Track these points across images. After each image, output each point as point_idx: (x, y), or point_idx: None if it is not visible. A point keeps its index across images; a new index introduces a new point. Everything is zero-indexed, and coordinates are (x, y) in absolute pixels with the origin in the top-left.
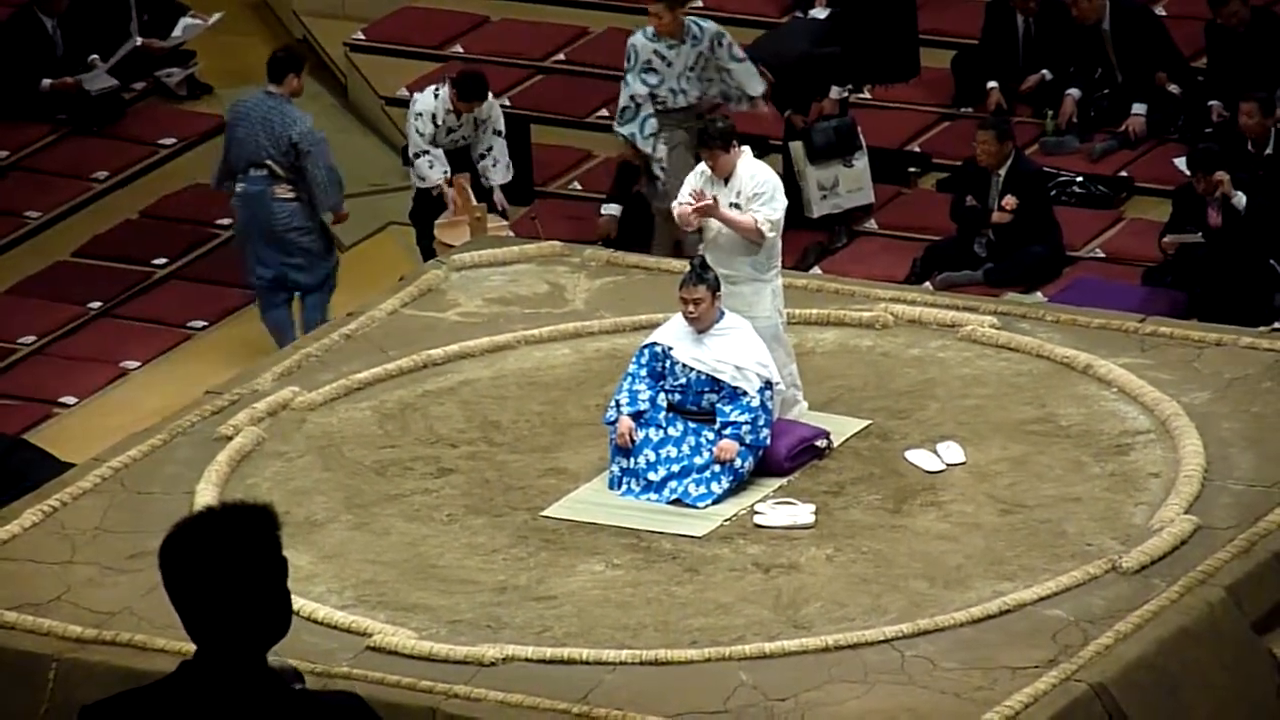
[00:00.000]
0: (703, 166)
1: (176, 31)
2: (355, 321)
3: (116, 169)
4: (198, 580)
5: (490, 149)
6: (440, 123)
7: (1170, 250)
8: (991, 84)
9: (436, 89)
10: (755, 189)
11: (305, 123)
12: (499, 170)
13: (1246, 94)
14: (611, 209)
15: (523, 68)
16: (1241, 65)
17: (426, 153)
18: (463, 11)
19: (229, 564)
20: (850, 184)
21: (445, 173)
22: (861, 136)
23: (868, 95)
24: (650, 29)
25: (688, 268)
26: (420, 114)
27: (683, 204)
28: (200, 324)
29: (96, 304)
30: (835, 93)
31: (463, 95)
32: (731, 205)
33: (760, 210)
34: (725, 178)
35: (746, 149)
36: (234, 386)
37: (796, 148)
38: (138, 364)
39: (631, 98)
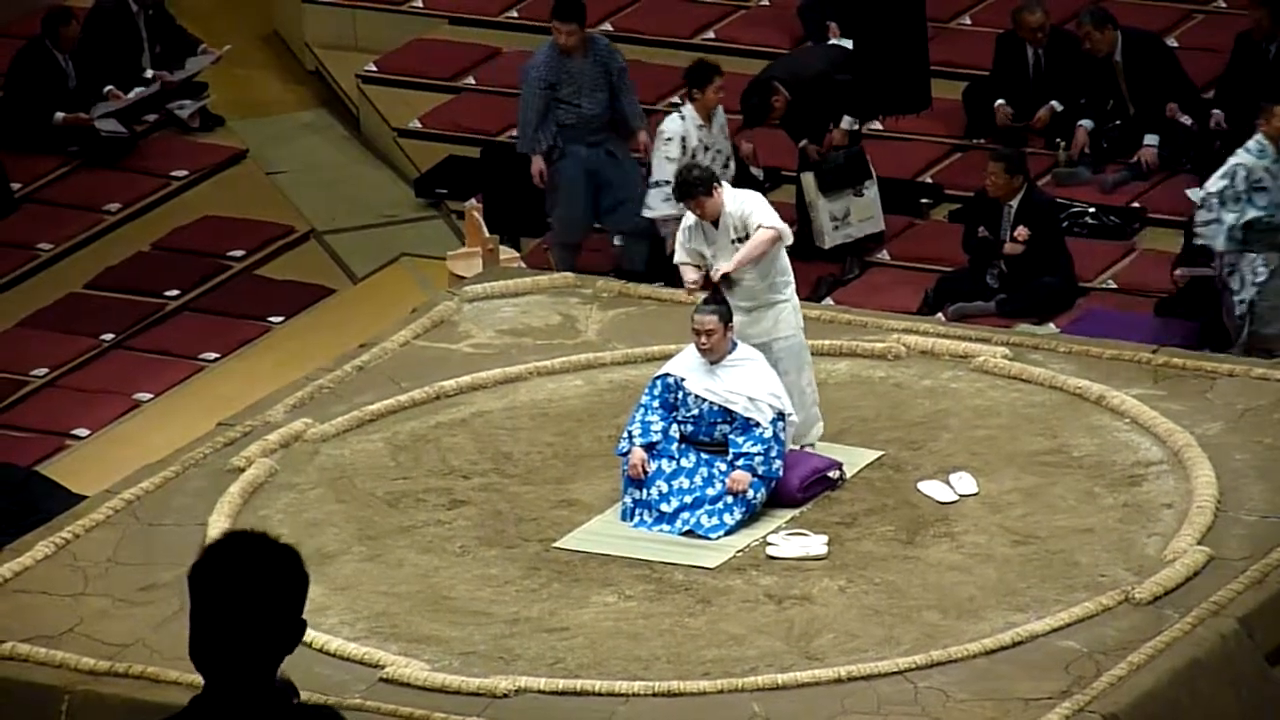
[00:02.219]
0: (689, 220)
1: (188, 68)
2: (368, 353)
3: (128, 201)
4: (232, 600)
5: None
6: (696, 143)
7: (1182, 282)
8: (999, 101)
9: (679, 110)
10: (744, 216)
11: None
12: (732, 168)
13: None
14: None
15: None
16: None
17: (667, 183)
18: (475, 43)
19: (264, 585)
20: (861, 213)
21: (671, 212)
22: (871, 165)
23: (880, 126)
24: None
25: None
26: (669, 139)
27: (690, 284)
28: (212, 356)
29: (109, 336)
30: (847, 123)
31: (694, 83)
32: (732, 243)
33: (761, 225)
34: (714, 220)
35: (726, 184)
36: (246, 418)
37: (808, 179)
38: (150, 396)
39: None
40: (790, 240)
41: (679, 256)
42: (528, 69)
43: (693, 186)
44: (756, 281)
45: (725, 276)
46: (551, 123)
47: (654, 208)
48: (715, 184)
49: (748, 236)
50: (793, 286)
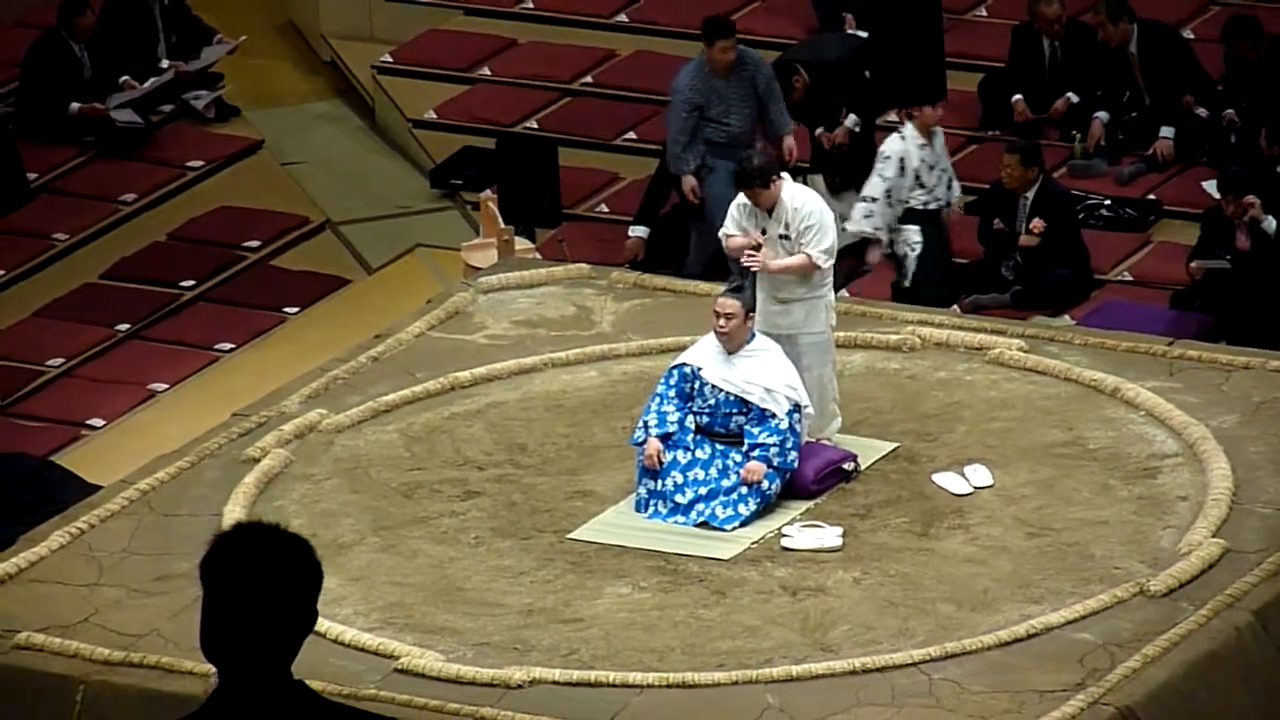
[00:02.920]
0: (742, 199)
1: (203, 58)
2: (383, 344)
3: (144, 191)
4: (243, 591)
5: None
6: (917, 162)
7: (1197, 275)
8: (1016, 96)
9: (900, 130)
10: (804, 222)
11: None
12: (956, 187)
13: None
14: (639, 231)
15: (550, 90)
16: (1261, 95)
17: (874, 200)
18: (491, 34)
19: (276, 576)
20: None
21: (877, 229)
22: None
23: (894, 118)
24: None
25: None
26: (888, 157)
27: (732, 237)
28: (228, 346)
29: (124, 326)
30: (851, 122)
31: (918, 101)
32: (780, 237)
33: (811, 246)
34: (769, 208)
35: (786, 177)
36: (261, 409)
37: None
38: (165, 386)
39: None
40: (825, 267)
41: (727, 228)
42: (675, 90)
43: (750, 178)
44: (794, 277)
45: (746, 268)
46: (700, 141)
47: (855, 221)
48: (775, 177)
49: (789, 235)
50: (830, 284)
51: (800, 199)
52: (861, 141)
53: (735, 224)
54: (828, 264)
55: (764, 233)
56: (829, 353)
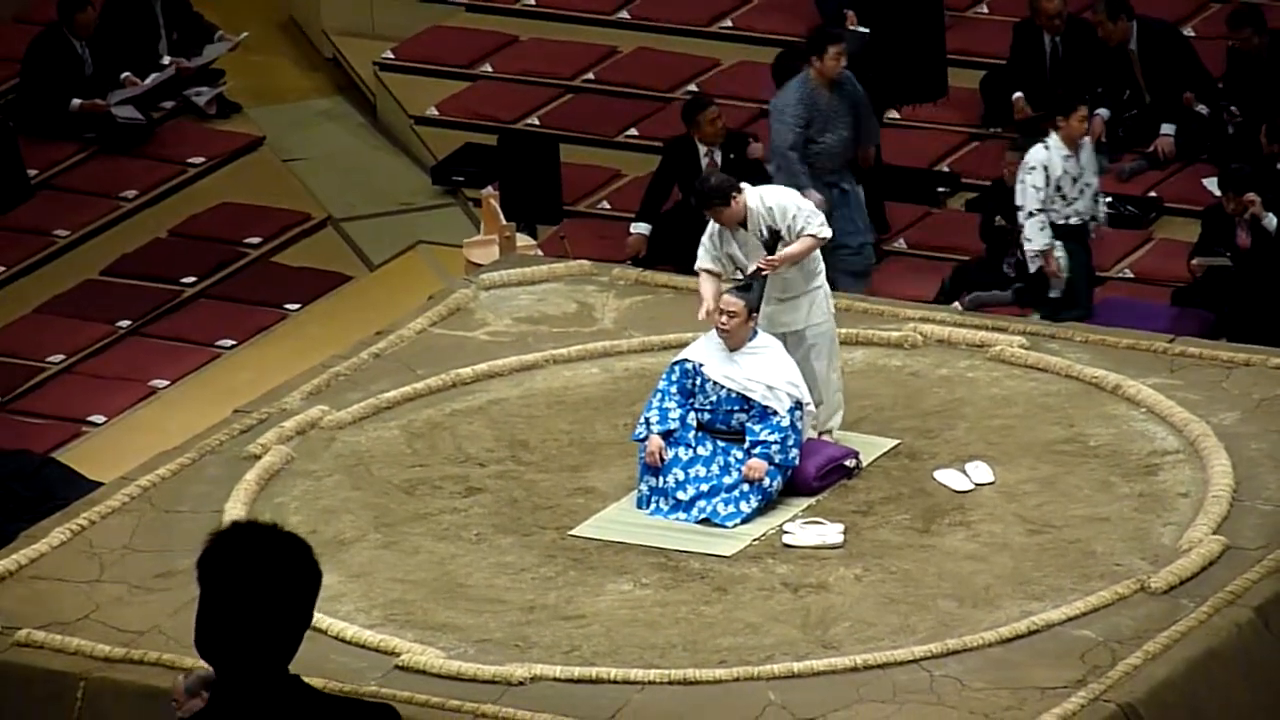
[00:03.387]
0: (715, 225)
1: (205, 55)
2: (384, 340)
3: (145, 188)
4: (239, 590)
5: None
6: (1060, 172)
7: (1198, 272)
8: (1017, 94)
9: (1045, 140)
10: (786, 219)
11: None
12: (1102, 205)
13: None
14: (641, 228)
15: (552, 87)
16: (1263, 90)
17: (1042, 212)
18: (492, 31)
19: (275, 574)
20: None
21: (1049, 243)
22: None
23: (896, 115)
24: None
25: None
26: (1033, 168)
27: (706, 313)
28: (229, 343)
29: (125, 323)
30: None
31: (1055, 112)
32: (764, 240)
33: (809, 228)
34: (740, 223)
35: (746, 186)
36: (262, 405)
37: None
38: (166, 383)
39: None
40: (829, 236)
41: (703, 263)
42: (782, 109)
43: (707, 197)
44: (795, 273)
45: (757, 269)
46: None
47: (1034, 240)
48: (735, 191)
49: (776, 233)
50: (824, 273)
51: (771, 197)
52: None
53: (710, 256)
54: (829, 234)
55: (744, 250)
56: (835, 342)
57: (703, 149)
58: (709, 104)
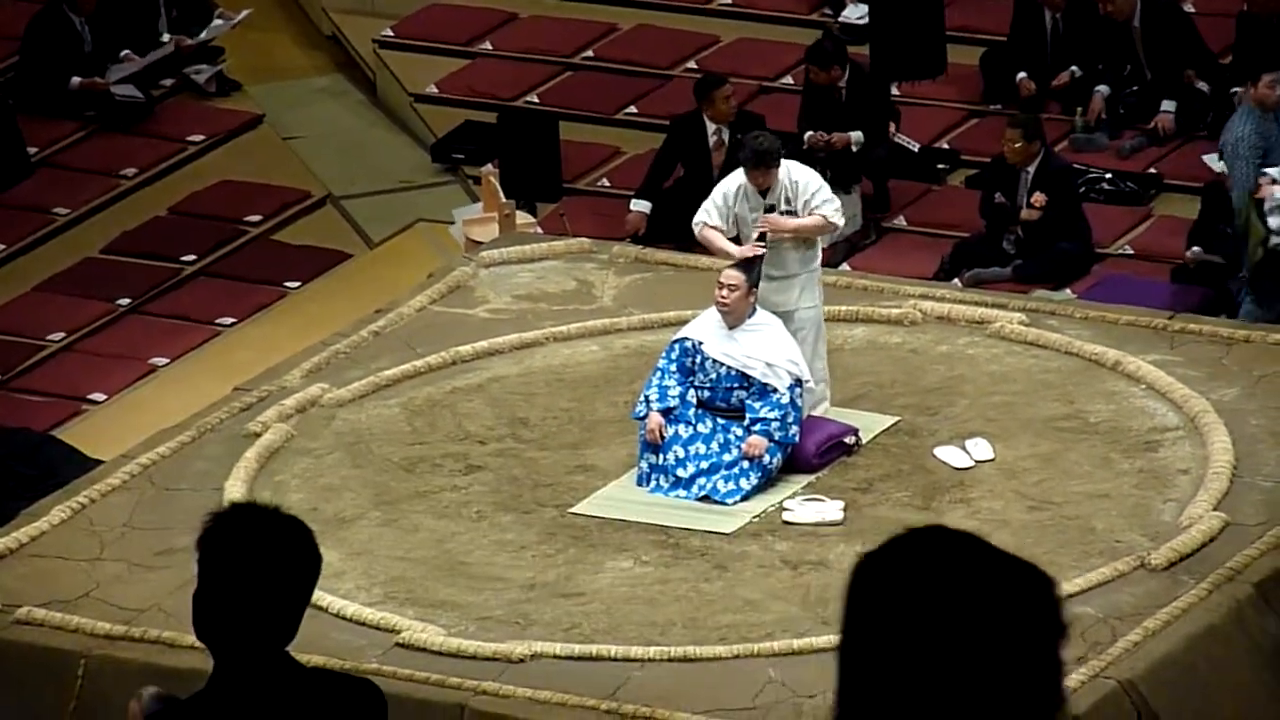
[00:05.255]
0: (738, 184)
1: (205, 33)
2: (384, 318)
3: (145, 166)
4: (240, 572)
5: None
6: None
7: (1193, 264)
8: (1021, 74)
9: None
10: (806, 194)
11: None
12: None
13: None
14: (641, 205)
15: (551, 64)
16: (1273, 53)
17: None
18: (491, 8)
19: (275, 557)
20: (846, 211)
21: None
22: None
23: (896, 92)
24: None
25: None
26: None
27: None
28: (229, 321)
29: (125, 301)
30: (857, 137)
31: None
32: (783, 213)
33: (823, 208)
34: (764, 190)
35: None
36: (262, 383)
37: None
38: (166, 361)
39: None
40: (840, 225)
41: (711, 219)
42: (1233, 142)
43: (763, 156)
44: (791, 253)
45: (762, 236)
46: None
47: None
48: (782, 157)
49: (791, 210)
50: (820, 260)
51: (796, 173)
52: (855, 153)
53: (719, 214)
54: (842, 222)
55: (755, 215)
56: (821, 329)
57: (711, 127)
58: (724, 81)
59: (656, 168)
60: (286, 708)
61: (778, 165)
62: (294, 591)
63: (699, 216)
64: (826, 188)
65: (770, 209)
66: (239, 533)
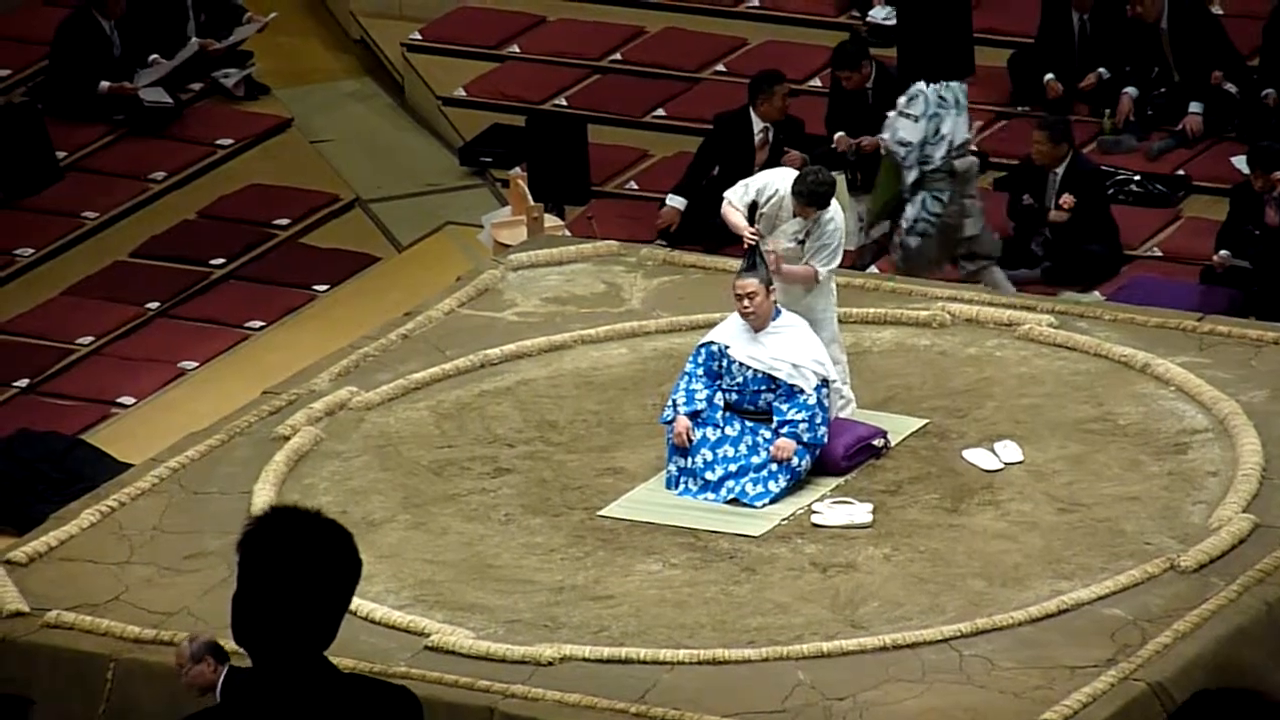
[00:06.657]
0: (781, 191)
1: (233, 36)
2: (412, 321)
3: (174, 169)
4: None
5: None
6: None
7: (1220, 269)
8: (1049, 75)
9: None
10: (822, 239)
11: None
12: None
13: None
14: (676, 201)
15: (579, 67)
16: None
17: None
18: (520, 11)
19: (317, 561)
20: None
21: None
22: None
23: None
24: None
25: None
26: None
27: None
28: (258, 324)
29: (154, 304)
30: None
31: None
32: (799, 242)
33: (817, 261)
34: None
35: None
36: (291, 387)
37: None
38: (195, 364)
39: None
40: (821, 281)
41: (739, 201)
42: None
43: (822, 201)
44: (796, 256)
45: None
46: None
47: None
48: None
49: (805, 241)
50: (831, 271)
51: (827, 215)
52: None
53: (744, 202)
54: (825, 279)
55: (778, 227)
56: (835, 336)
57: (759, 125)
58: (783, 79)
59: (697, 165)
60: (325, 713)
61: (821, 208)
62: (334, 596)
63: (733, 191)
64: (837, 249)
65: (800, 239)
66: (280, 536)
